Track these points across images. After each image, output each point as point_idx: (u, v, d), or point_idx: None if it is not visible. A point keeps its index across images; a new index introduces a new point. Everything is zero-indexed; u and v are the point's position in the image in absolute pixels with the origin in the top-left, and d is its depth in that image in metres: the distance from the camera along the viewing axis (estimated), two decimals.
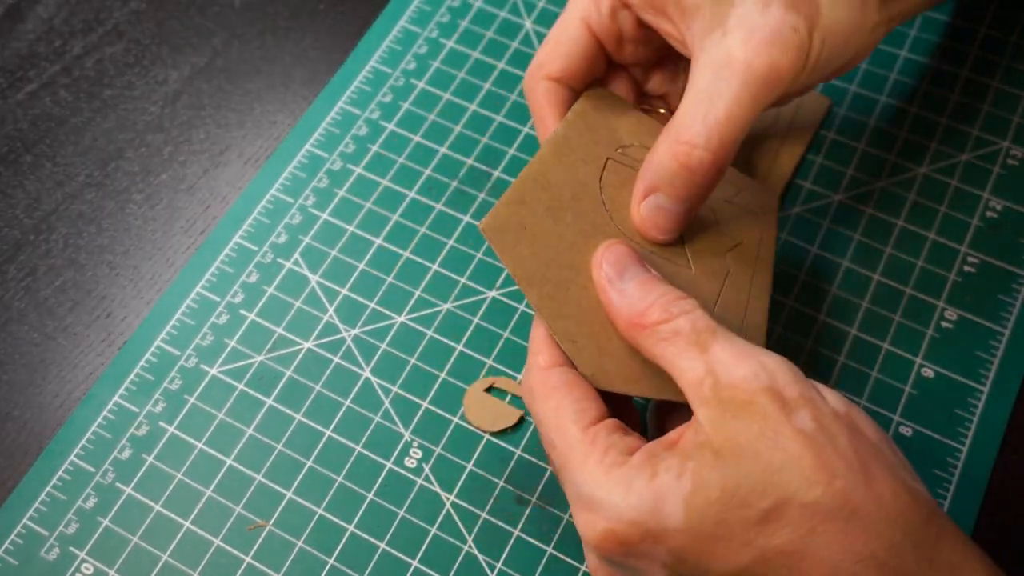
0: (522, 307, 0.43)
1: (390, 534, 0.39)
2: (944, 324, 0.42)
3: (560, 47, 0.37)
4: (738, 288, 0.36)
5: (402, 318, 0.43)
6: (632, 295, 0.32)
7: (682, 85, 0.38)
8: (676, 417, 0.35)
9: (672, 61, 0.39)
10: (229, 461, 0.40)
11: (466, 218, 0.45)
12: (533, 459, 0.40)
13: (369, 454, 0.40)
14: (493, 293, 0.43)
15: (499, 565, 0.38)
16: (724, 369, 0.29)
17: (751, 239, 0.37)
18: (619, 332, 0.32)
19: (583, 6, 0.37)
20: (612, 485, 0.29)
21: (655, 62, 0.40)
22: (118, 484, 0.40)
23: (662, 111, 0.40)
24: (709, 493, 0.28)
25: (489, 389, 0.41)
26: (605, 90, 0.39)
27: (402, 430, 0.41)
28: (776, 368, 0.29)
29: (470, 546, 0.38)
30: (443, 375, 0.42)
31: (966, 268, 0.43)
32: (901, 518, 0.27)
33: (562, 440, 0.31)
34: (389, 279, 0.44)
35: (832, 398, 0.30)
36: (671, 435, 0.30)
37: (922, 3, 0.38)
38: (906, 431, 0.40)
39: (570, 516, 0.39)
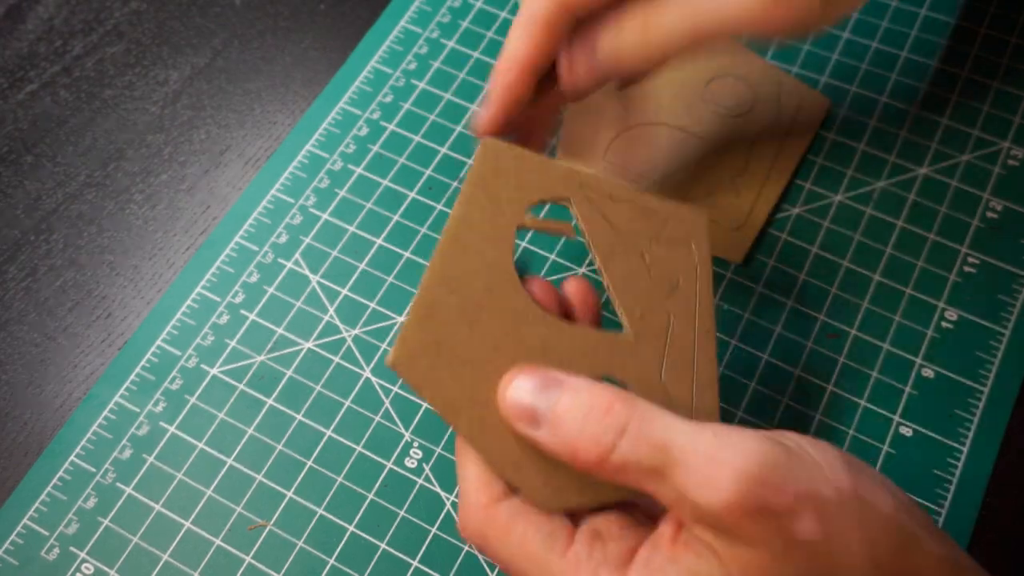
0: None
1: (390, 534, 0.39)
2: (944, 324, 0.42)
3: (520, 50, 0.34)
4: (682, 342, 0.32)
5: (403, 318, 0.43)
6: (554, 439, 0.27)
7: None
8: None
9: None
10: (229, 461, 0.40)
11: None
12: None
13: (369, 454, 0.40)
14: None
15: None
16: (699, 495, 0.25)
17: (688, 275, 0.34)
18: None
19: None
20: None
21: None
22: (118, 484, 0.40)
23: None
24: None
25: None
26: (501, 143, 0.33)
27: (402, 430, 0.41)
28: (757, 474, 0.25)
29: (470, 546, 0.38)
30: None
31: (966, 268, 0.43)
32: None
33: (543, 574, 0.27)
34: (390, 279, 0.44)
35: (833, 468, 0.26)
36: (664, 531, 0.27)
37: None
38: (906, 431, 0.40)
39: None
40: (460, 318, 0.29)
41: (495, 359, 0.29)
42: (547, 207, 0.33)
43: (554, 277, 0.44)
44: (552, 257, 0.44)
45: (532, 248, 0.44)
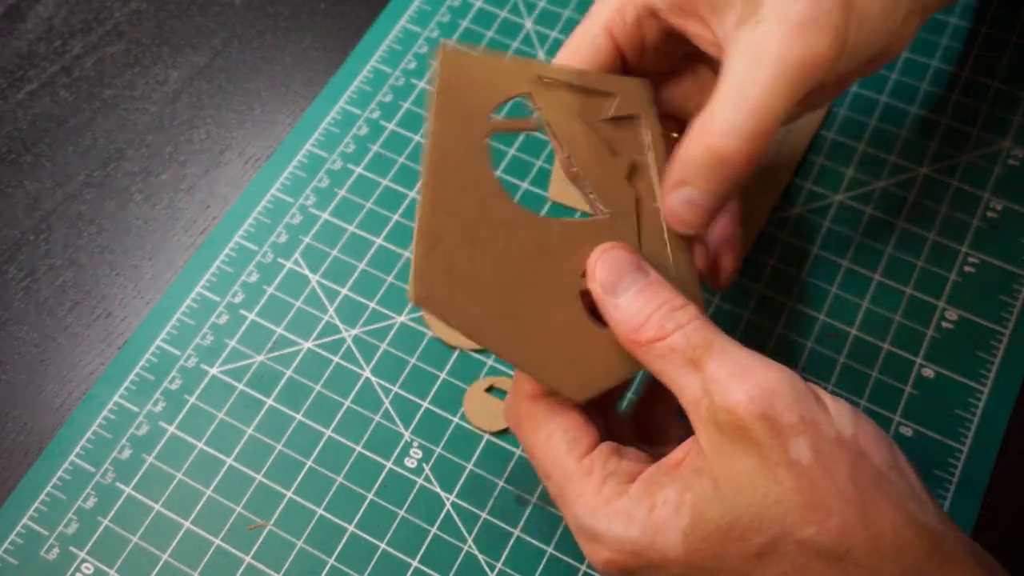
0: None
1: (390, 534, 0.39)
2: (944, 324, 0.42)
3: (580, 54, 0.36)
4: (651, 214, 0.34)
5: (402, 318, 0.43)
6: (627, 310, 0.30)
7: (696, 98, 0.37)
8: (658, 414, 0.35)
9: (689, 72, 0.38)
10: (229, 461, 0.40)
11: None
12: None
13: (369, 454, 0.40)
14: None
15: (499, 565, 0.38)
16: (719, 390, 0.28)
17: (643, 149, 0.35)
18: (620, 344, 0.31)
19: (607, 14, 0.35)
20: (612, 517, 0.29)
21: (670, 73, 0.38)
22: (118, 484, 0.40)
23: (675, 135, 0.38)
24: (706, 527, 0.28)
25: (489, 389, 0.41)
26: (460, 48, 0.32)
27: (402, 430, 0.41)
28: (775, 389, 0.28)
29: (470, 546, 0.38)
30: (443, 375, 0.42)
31: (966, 268, 0.43)
32: (900, 555, 0.27)
33: (557, 472, 0.30)
34: (389, 279, 0.44)
35: (840, 416, 0.28)
36: (673, 456, 0.30)
37: None
38: (906, 431, 0.40)
39: None
40: (463, 239, 0.30)
41: (502, 271, 0.30)
42: (508, 105, 0.33)
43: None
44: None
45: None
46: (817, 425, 0.28)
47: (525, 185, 0.45)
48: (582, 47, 0.36)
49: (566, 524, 0.31)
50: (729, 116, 0.31)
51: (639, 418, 0.36)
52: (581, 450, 0.30)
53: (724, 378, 0.28)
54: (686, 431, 0.30)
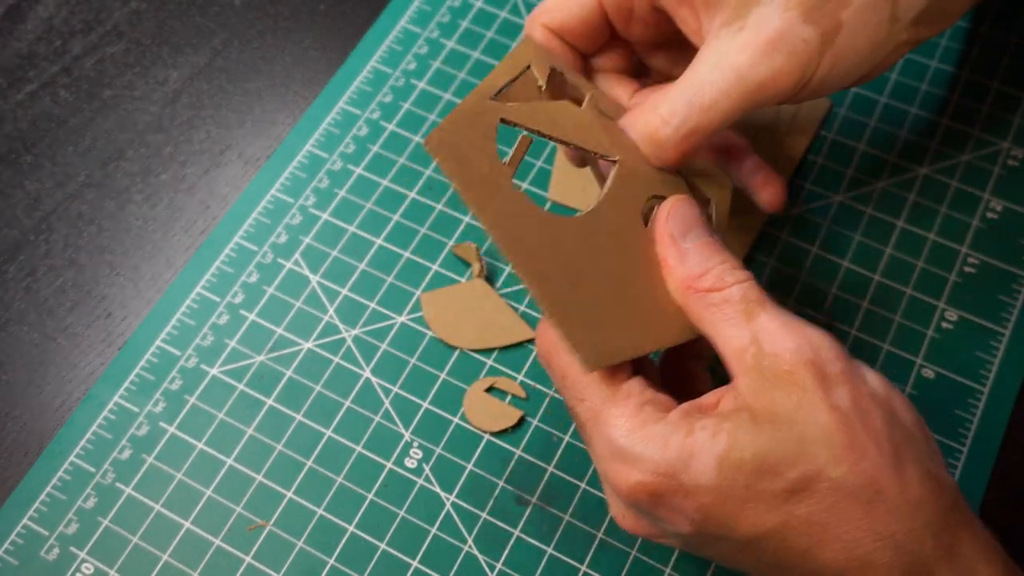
0: (522, 307, 0.43)
1: (390, 534, 0.39)
2: (944, 325, 0.42)
3: (565, 4, 0.37)
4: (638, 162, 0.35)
5: (402, 318, 0.43)
6: (691, 259, 0.32)
7: (681, 70, 0.38)
8: (684, 370, 0.35)
9: (676, 45, 0.39)
10: (229, 461, 0.40)
11: (466, 219, 0.45)
12: (533, 459, 0.40)
13: (369, 454, 0.40)
14: None
15: (499, 565, 0.38)
16: (769, 339, 0.29)
17: (585, 91, 0.36)
18: (669, 289, 0.32)
19: None
20: (648, 439, 0.29)
21: (658, 44, 0.39)
22: (118, 484, 0.40)
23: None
24: (742, 455, 0.28)
25: (489, 389, 0.41)
26: (439, 141, 0.32)
27: (402, 430, 0.41)
28: (821, 343, 0.29)
29: (470, 546, 0.38)
30: (443, 375, 0.42)
31: (966, 269, 0.43)
32: (925, 505, 0.28)
33: (594, 393, 0.31)
34: (389, 279, 0.44)
35: (874, 380, 0.30)
36: (707, 398, 0.31)
37: (953, 19, 0.37)
38: None
39: (571, 516, 0.39)
40: (572, 287, 0.31)
41: (610, 281, 0.32)
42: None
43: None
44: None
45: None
46: (857, 379, 0.29)
47: (525, 185, 0.45)
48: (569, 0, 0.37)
49: (593, 452, 0.31)
50: (675, 106, 0.33)
51: (665, 369, 0.36)
52: (618, 378, 0.31)
53: (775, 328, 0.30)
54: (714, 385, 0.31)
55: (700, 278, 0.31)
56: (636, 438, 0.29)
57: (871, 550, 0.27)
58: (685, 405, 0.30)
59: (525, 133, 0.34)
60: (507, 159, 0.33)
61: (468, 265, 0.44)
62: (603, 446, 0.30)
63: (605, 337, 0.31)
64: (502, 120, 0.33)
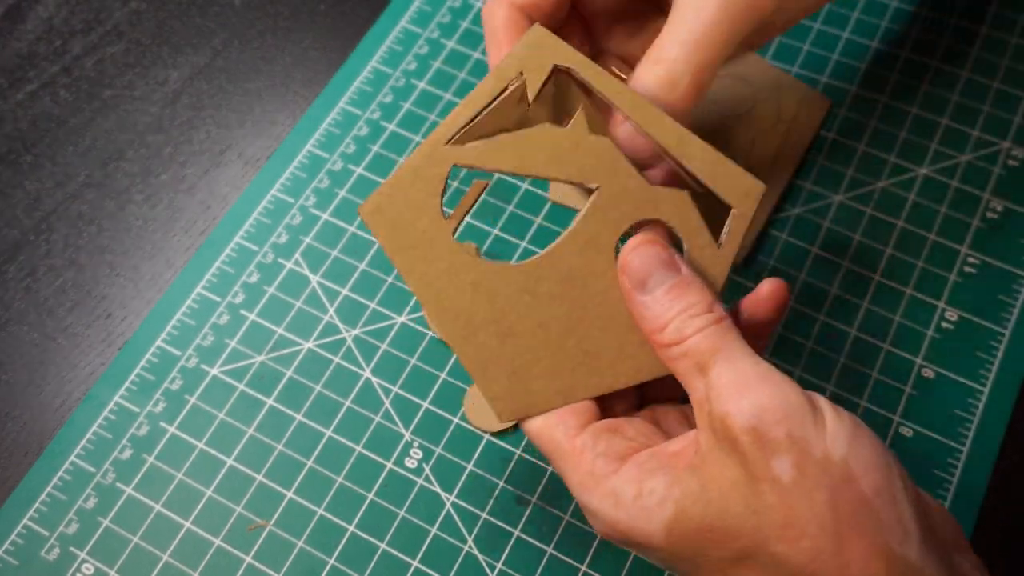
0: None
1: (390, 534, 0.39)
2: (944, 324, 0.42)
3: None
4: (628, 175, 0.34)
5: (402, 318, 0.43)
6: (650, 310, 0.31)
7: (644, 41, 0.37)
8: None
9: (636, 16, 0.39)
10: (229, 461, 0.40)
11: (466, 219, 0.45)
12: (533, 459, 0.40)
13: (369, 454, 0.40)
14: None
15: (499, 565, 0.38)
16: (717, 396, 0.29)
17: (577, 101, 0.35)
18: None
19: None
20: (602, 497, 0.30)
21: (617, 16, 0.39)
22: (118, 484, 0.40)
23: (613, 69, 0.39)
24: (688, 525, 0.28)
25: None
26: (371, 210, 0.33)
27: (402, 430, 0.41)
28: (767, 404, 0.28)
29: (470, 546, 0.38)
30: (443, 375, 0.42)
31: (966, 269, 0.43)
32: None
33: (554, 451, 0.32)
34: (389, 279, 0.44)
35: (837, 435, 0.28)
36: (673, 445, 0.31)
37: None
38: (906, 431, 0.40)
39: (571, 516, 0.39)
40: (499, 340, 0.32)
41: (549, 331, 0.32)
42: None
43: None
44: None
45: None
46: (804, 444, 0.27)
47: (525, 186, 0.45)
48: None
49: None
50: (675, 48, 0.33)
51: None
52: (573, 431, 0.32)
53: (722, 386, 0.29)
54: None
55: (661, 332, 0.31)
56: (592, 494, 0.30)
57: None
58: (644, 454, 0.30)
59: (479, 177, 0.33)
60: (454, 211, 0.33)
61: None
62: (574, 495, 0.32)
63: (535, 387, 0.32)
64: (456, 165, 0.32)
